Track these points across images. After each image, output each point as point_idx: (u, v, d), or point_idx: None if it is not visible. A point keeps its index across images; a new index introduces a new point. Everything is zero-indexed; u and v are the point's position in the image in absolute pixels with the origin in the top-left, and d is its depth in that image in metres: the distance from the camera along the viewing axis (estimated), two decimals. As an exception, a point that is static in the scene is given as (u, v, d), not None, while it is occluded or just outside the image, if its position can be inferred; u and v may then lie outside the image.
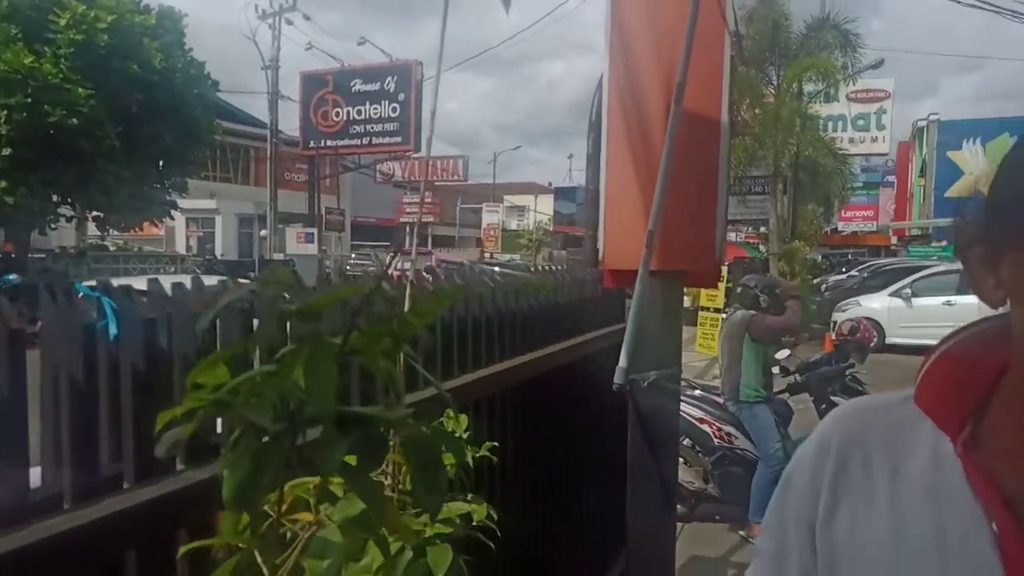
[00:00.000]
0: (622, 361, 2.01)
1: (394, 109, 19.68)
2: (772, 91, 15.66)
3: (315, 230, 19.48)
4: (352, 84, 20.07)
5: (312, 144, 20.85)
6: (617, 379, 2.01)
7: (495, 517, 1.04)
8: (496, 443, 1.19)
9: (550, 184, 46.85)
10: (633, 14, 2.38)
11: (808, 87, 15.98)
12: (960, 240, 0.66)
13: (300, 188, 23.25)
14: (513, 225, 42.28)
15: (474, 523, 1.01)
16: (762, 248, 19.09)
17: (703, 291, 12.04)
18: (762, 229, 21.94)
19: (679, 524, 4.53)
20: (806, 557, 0.74)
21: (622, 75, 2.38)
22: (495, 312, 1.97)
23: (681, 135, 2.32)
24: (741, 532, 4.50)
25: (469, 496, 1.04)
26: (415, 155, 22.10)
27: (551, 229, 38.16)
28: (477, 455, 1.13)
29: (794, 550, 0.75)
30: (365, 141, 20.29)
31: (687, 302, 15.91)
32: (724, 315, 10.40)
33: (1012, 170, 0.62)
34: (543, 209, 42.55)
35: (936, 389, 0.69)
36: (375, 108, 19.78)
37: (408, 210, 28.83)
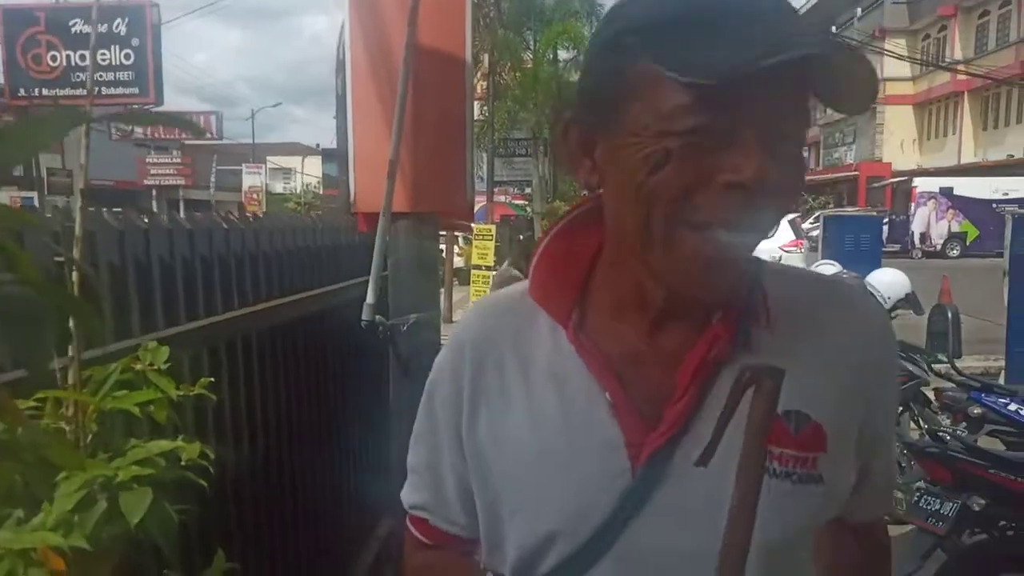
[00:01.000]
0: (369, 297, 1.96)
1: (127, 56, 17.31)
2: (531, 56, 16.33)
3: (35, 194, 16.74)
4: (71, 24, 17.24)
5: (23, 92, 17.71)
6: (364, 315, 1.96)
7: (210, 456, 0.94)
8: (212, 378, 1.07)
9: (318, 146, 44.79)
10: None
11: (563, 54, 16.90)
12: (557, 124, 0.69)
13: (13, 145, 19.76)
14: (279, 188, 39.93)
15: (183, 463, 0.91)
16: (528, 207, 20.05)
17: (475, 249, 12.42)
18: (527, 190, 23.01)
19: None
20: (458, 463, 0.75)
21: (364, 7, 2.28)
22: (233, 255, 1.81)
23: (425, 75, 2.30)
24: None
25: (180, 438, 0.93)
26: (156, 109, 19.78)
27: (321, 192, 36.66)
28: (192, 393, 1.01)
29: (446, 457, 0.76)
30: (93, 92, 17.68)
31: (460, 262, 16.38)
32: (494, 273, 10.93)
33: (596, 56, 0.64)
34: (312, 172, 40.69)
35: (544, 282, 0.74)
36: (103, 54, 17.22)
37: (153, 171, 25.82)
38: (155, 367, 0.91)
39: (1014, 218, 6.28)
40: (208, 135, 25.70)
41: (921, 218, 22.02)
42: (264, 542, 1.85)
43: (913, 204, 22.06)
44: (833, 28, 29.88)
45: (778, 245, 13.13)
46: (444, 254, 13.26)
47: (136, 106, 19.81)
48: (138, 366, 0.90)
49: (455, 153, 2.40)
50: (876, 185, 26.85)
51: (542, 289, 0.74)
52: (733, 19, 0.56)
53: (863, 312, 0.73)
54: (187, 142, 26.92)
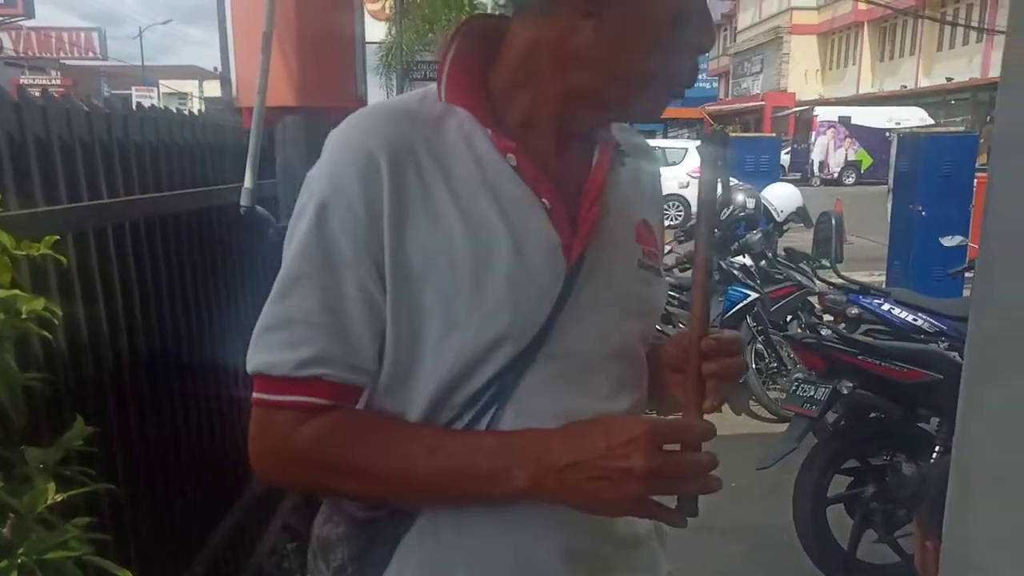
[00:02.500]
0: (247, 181, 1.88)
1: (-9, -41, 15.59)
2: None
3: None
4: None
5: None
6: (243, 200, 1.88)
7: (57, 312, 0.89)
8: (58, 236, 1.00)
9: (216, 69, 42.07)
10: None
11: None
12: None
13: None
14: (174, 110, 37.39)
15: (23, 315, 0.85)
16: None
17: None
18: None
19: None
20: (374, 293, 0.69)
21: None
22: (97, 142, 1.68)
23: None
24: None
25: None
26: (26, 23, 17.90)
27: (221, 118, 34.52)
28: (36, 253, 0.94)
29: (352, 291, 0.69)
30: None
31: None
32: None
33: None
34: (212, 95, 38.32)
35: (459, 86, 0.74)
36: (-38, -45, 15.42)
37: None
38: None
39: (900, 136, 6.63)
40: (90, 54, 23.65)
41: (820, 147, 22.95)
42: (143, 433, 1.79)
43: (814, 133, 22.93)
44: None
45: (686, 172, 13.47)
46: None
47: (2, 19, 17.91)
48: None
49: (343, 46, 2.30)
50: (780, 114, 27.70)
51: (465, 94, 0.74)
52: None
53: (644, 143, 0.90)
54: (66, 62, 24.73)
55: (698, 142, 0.75)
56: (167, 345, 1.92)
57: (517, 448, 0.68)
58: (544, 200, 0.73)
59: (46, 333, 0.86)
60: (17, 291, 0.83)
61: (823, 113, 23.63)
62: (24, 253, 0.91)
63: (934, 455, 2.52)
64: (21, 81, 23.41)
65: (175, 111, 2.30)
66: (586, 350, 0.75)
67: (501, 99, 0.75)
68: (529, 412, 0.71)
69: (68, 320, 1.46)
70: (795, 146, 23.17)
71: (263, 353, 0.71)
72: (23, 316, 0.85)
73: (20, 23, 19.08)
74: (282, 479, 0.77)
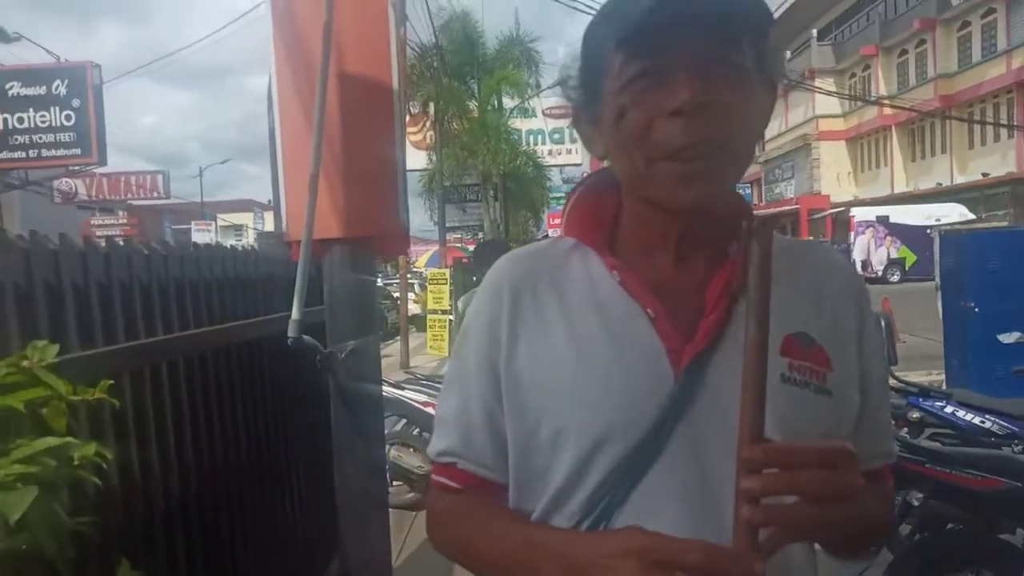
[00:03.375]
0: (294, 312, 1.94)
1: (68, 117, 16.97)
2: (476, 104, 16.64)
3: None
4: (8, 87, 16.97)
5: (-38, 158, 17.24)
6: (290, 332, 1.93)
7: (107, 456, 0.91)
8: (113, 380, 1.04)
9: (269, 201, 44.36)
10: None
11: (507, 102, 17.25)
12: (573, 115, 0.84)
13: (-52, 212, 19.13)
14: (233, 245, 39.25)
15: (75, 462, 0.87)
16: (481, 252, 20.11)
17: (430, 294, 12.40)
18: (479, 235, 23.16)
19: (412, 512, 4.56)
20: (491, 402, 0.80)
21: (288, 30, 2.31)
22: (157, 280, 1.77)
23: (352, 101, 2.32)
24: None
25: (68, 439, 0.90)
26: (98, 169, 19.38)
27: (274, 248, 36.07)
28: (91, 397, 0.98)
29: (476, 400, 0.81)
30: (32, 154, 17.17)
31: (416, 308, 16.29)
32: (451, 317, 10.90)
33: (582, 51, 0.79)
34: (267, 228, 40.22)
35: (579, 222, 0.84)
36: (42, 116, 16.86)
37: (99, 233, 25.23)
38: (43, 363, 0.87)
39: (941, 235, 6.56)
40: (155, 194, 25.29)
41: (861, 246, 22.79)
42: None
43: (852, 233, 22.86)
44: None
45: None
46: (399, 301, 13.23)
47: (78, 167, 19.49)
48: (25, 363, 0.86)
49: (386, 178, 2.42)
50: (816, 216, 27.77)
51: (578, 228, 0.84)
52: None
53: (842, 263, 0.88)
54: (133, 203, 26.45)
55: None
56: (217, 478, 1.93)
57: (549, 542, 0.70)
58: (648, 310, 0.76)
59: (96, 480, 0.87)
60: (70, 439, 0.86)
61: (860, 213, 23.65)
62: (80, 398, 0.94)
63: (1024, 572, 2.31)
64: (91, 222, 25.08)
65: (229, 246, 2.43)
66: (708, 464, 0.73)
67: (622, 228, 0.82)
68: (646, 523, 0.70)
69: (120, 460, 1.49)
70: (835, 246, 23.06)
71: (431, 440, 0.87)
72: (75, 463, 0.86)
73: (93, 171, 20.62)
74: (434, 543, 0.87)
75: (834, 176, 30.70)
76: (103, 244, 1.63)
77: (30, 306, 1.36)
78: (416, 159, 17.05)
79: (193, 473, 1.78)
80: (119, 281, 1.62)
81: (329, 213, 2.34)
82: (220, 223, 36.38)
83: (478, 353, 0.81)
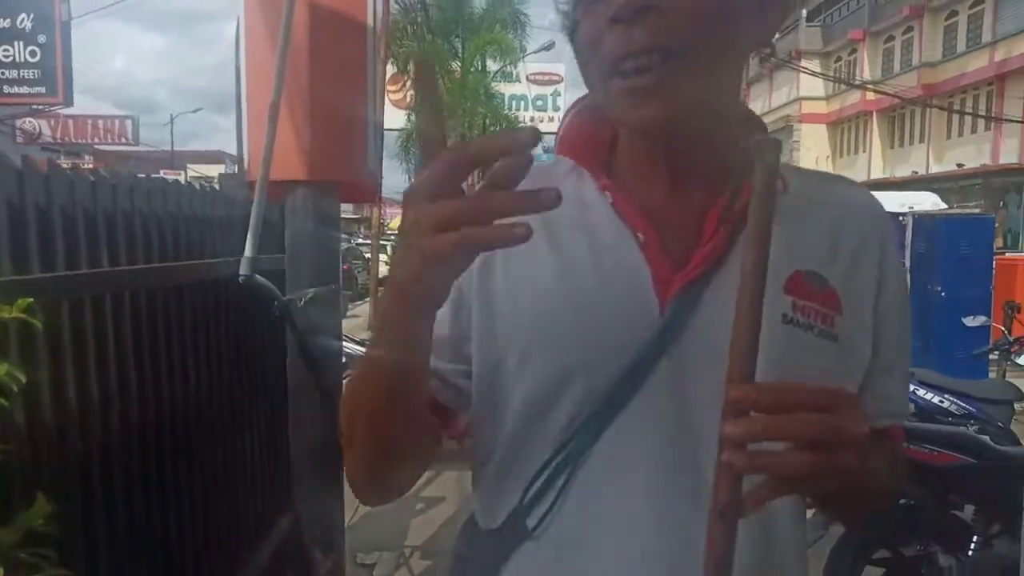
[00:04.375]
0: (247, 249, 1.86)
1: (32, 53, 16.24)
2: (459, 64, 16.31)
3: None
4: (-33, 19, 16.25)
5: (-83, 90, 16.52)
6: (242, 269, 1.85)
7: (21, 379, 0.84)
8: (32, 299, 0.96)
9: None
10: None
11: (491, 65, 16.94)
12: (567, 29, 0.72)
13: (-98, 146, 18.38)
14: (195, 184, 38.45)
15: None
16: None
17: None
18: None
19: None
20: (445, 320, 0.70)
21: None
22: (100, 211, 1.67)
23: (322, 39, 2.22)
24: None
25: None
26: (64, 110, 18.73)
27: (245, 202, 35.40)
28: (8, 316, 0.90)
29: (448, 329, 0.71)
30: (-7, 89, 16.57)
31: (388, 269, 16.07)
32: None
33: None
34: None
35: (573, 140, 0.76)
36: (5, 50, 16.16)
37: (65, 177, 24.45)
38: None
39: (915, 217, 6.63)
40: (123, 140, 24.60)
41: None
42: (130, 522, 1.70)
43: (828, 217, 23.01)
44: (752, 48, 31.16)
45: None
46: (371, 262, 13.06)
47: (42, 107, 18.79)
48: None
49: (356, 121, 2.33)
50: (793, 199, 27.93)
51: (571, 146, 0.76)
52: None
53: (869, 202, 0.77)
54: (99, 147, 25.71)
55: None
56: (161, 420, 1.86)
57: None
58: (639, 234, 0.69)
59: (3, 400, 0.80)
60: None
61: (836, 198, 23.79)
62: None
63: (972, 545, 2.34)
64: (57, 164, 24.27)
65: (186, 183, 2.32)
66: (691, 406, 0.65)
67: (619, 152, 0.75)
68: (617, 471, 0.66)
69: (53, 389, 1.41)
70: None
71: None
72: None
73: (59, 111, 19.96)
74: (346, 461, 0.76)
75: (812, 160, 30.84)
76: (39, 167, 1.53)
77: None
78: (395, 119, 16.73)
79: (134, 411, 1.71)
80: (59, 207, 1.52)
81: (293, 153, 2.25)
82: (191, 173, 35.56)
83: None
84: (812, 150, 30.99)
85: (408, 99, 16.84)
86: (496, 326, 0.70)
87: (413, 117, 16.60)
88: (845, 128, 30.64)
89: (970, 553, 2.34)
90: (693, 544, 0.57)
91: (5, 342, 1.16)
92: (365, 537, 3.66)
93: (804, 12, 31.14)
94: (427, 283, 0.54)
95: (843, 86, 28.22)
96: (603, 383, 0.66)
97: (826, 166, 30.94)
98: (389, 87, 15.86)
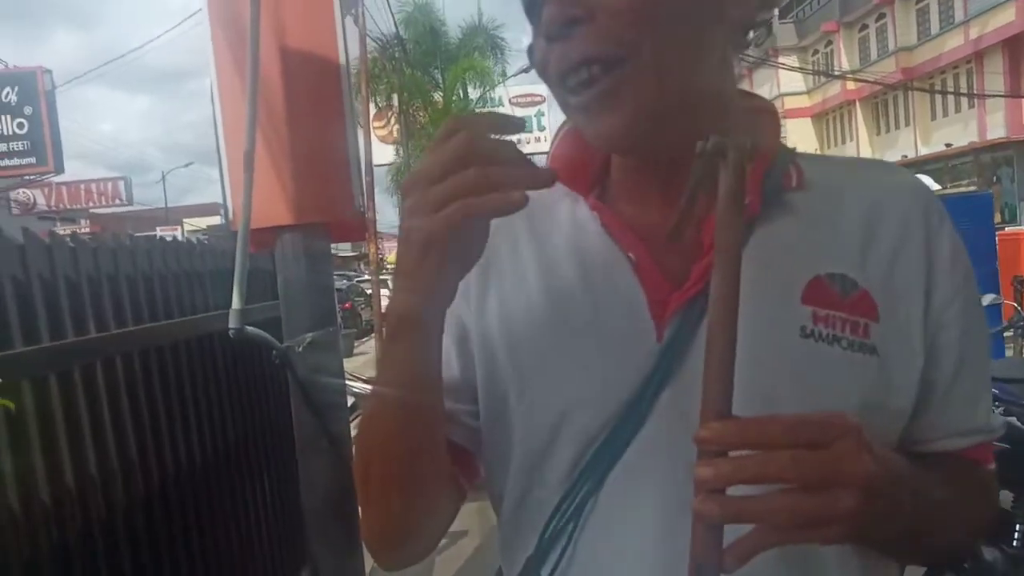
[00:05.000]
0: (234, 302, 1.81)
1: (20, 125, 16.52)
2: (441, 95, 16.42)
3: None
4: (-44, 96, 16.50)
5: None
6: (231, 323, 1.80)
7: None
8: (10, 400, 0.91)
9: (235, 204, 43.43)
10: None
11: (473, 92, 17.07)
12: (527, 55, 0.69)
13: (-101, 228, 18.44)
14: (184, 239, 38.67)
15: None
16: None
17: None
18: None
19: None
20: (452, 355, 0.67)
21: (224, 9, 2.17)
22: (85, 276, 1.63)
23: (296, 80, 2.19)
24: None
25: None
26: (56, 178, 18.93)
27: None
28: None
29: (455, 366, 0.67)
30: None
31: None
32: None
33: None
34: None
35: (565, 162, 0.70)
36: (-7, 124, 16.48)
37: (61, 244, 24.60)
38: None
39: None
40: (117, 201, 24.74)
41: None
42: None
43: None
44: (729, 50, 31.56)
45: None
46: (372, 297, 13.03)
47: (35, 176, 18.93)
48: None
49: (338, 160, 2.29)
50: (786, 194, 28.03)
51: (563, 167, 0.69)
52: None
53: (913, 184, 0.66)
54: (95, 211, 25.87)
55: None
56: (166, 486, 1.80)
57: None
58: (630, 254, 0.64)
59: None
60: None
61: (828, 189, 23.85)
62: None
63: (1016, 535, 2.26)
64: (54, 231, 24.42)
65: (171, 238, 2.28)
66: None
67: (613, 171, 0.70)
68: (624, 515, 0.60)
69: (50, 469, 1.36)
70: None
71: None
72: None
73: (51, 179, 20.13)
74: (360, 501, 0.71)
75: (801, 153, 30.97)
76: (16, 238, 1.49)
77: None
78: (384, 154, 16.80)
79: (138, 482, 1.65)
80: (39, 276, 1.48)
81: (278, 199, 2.20)
82: (187, 227, 35.68)
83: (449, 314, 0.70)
84: (799, 145, 30.59)
85: (394, 133, 16.94)
86: (497, 360, 0.66)
87: (400, 151, 16.68)
88: (830, 119, 30.78)
89: (1014, 543, 2.25)
90: None
91: (12, 426, 1.11)
92: (389, 581, 3.57)
93: (776, 11, 31.50)
94: (430, 271, 0.51)
95: (823, 78, 28.39)
96: (603, 419, 0.60)
97: (815, 159, 31.06)
98: (375, 123, 15.96)
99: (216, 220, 41.21)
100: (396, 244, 0.54)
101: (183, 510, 1.85)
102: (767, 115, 0.69)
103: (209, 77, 2.29)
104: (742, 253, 0.57)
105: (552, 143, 0.74)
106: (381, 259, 18.55)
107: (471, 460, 0.70)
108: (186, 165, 58.88)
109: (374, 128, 15.43)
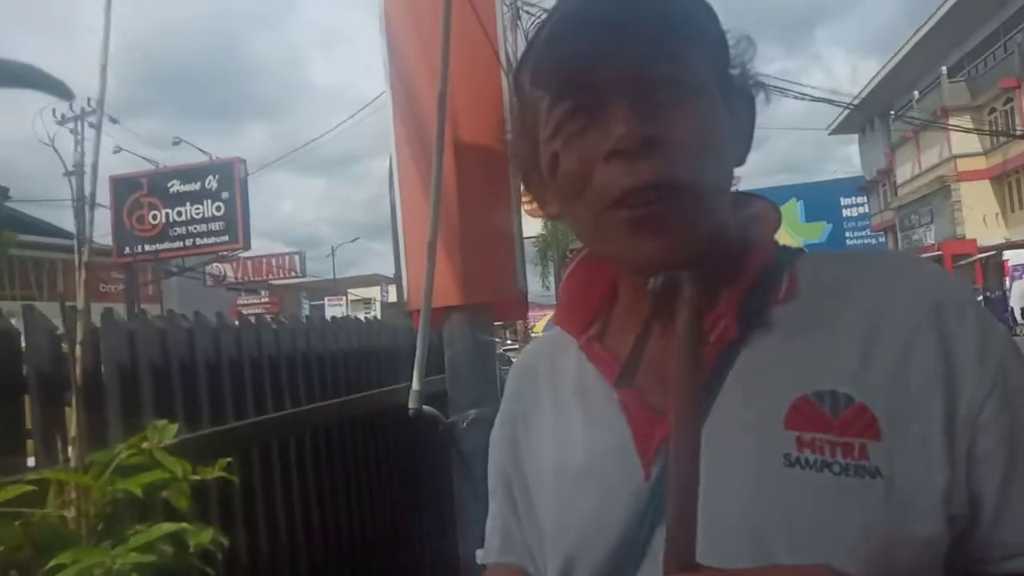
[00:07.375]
0: (414, 383, 1.91)
1: (218, 208, 18.82)
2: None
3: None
4: (169, 185, 19.05)
5: (128, 250, 19.36)
6: (411, 403, 1.89)
7: (224, 543, 0.88)
8: (230, 459, 1.02)
9: (394, 275, 46.32)
10: (407, 35, 2.40)
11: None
12: (521, 172, 0.72)
13: (119, 299, 21.33)
14: (360, 318, 41.31)
15: (191, 549, 0.84)
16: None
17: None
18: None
19: None
20: (505, 509, 0.74)
21: (406, 108, 2.38)
22: (285, 355, 1.80)
23: (467, 169, 2.34)
24: None
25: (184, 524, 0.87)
26: (243, 254, 21.16)
27: (401, 319, 37.56)
28: (210, 476, 0.96)
29: (497, 505, 0.75)
30: (188, 243, 19.16)
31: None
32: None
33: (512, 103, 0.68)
34: (391, 299, 42.07)
35: (565, 305, 0.73)
36: (196, 208, 18.84)
37: (244, 311, 27.31)
38: (162, 444, 0.86)
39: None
40: (293, 273, 27.16)
41: (1019, 291, 20.69)
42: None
43: (1007, 279, 20.84)
44: (892, 114, 29.86)
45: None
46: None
47: (226, 253, 21.40)
48: (145, 444, 0.85)
49: (503, 244, 2.40)
50: (963, 263, 25.63)
51: (562, 312, 0.74)
52: (568, 25, 0.58)
53: (922, 274, 0.60)
54: (273, 282, 28.49)
55: None
56: (342, 552, 1.90)
57: None
58: (616, 393, 0.64)
59: (209, 571, 0.84)
60: (185, 524, 0.83)
61: (1014, 256, 21.58)
62: (200, 478, 0.92)
63: None
64: (238, 302, 27.22)
65: (354, 318, 2.47)
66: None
67: (620, 299, 0.71)
68: None
69: (247, 537, 1.48)
70: (988, 295, 21.07)
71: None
72: (191, 550, 0.83)
73: (239, 255, 22.53)
74: None
75: (979, 218, 28.32)
76: (237, 322, 1.69)
77: (167, 383, 1.40)
78: (531, 227, 17.32)
79: (319, 547, 1.75)
80: (249, 356, 1.66)
81: (448, 281, 2.34)
82: (351, 297, 38.35)
83: (494, 462, 0.76)
84: (976, 209, 28.51)
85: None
86: (531, 510, 0.70)
87: (548, 224, 17.08)
88: (1012, 181, 28.02)
89: None
90: None
91: (206, 502, 1.24)
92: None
93: (944, 69, 29.59)
94: None
95: (1002, 138, 26.07)
96: (607, 558, 0.60)
97: (996, 224, 28.28)
98: (524, 198, 16.54)
99: (376, 290, 44.03)
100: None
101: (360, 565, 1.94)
102: (762, 221, 0.67)
103: (379, 161, 2.51)
104: (727, 378, 0.58)
105: (559, 286, 0.77)
106: (528, 329, 18.89)
107: None
108: (352, 240, 63.84)
109: (523, 202, 15.97)
